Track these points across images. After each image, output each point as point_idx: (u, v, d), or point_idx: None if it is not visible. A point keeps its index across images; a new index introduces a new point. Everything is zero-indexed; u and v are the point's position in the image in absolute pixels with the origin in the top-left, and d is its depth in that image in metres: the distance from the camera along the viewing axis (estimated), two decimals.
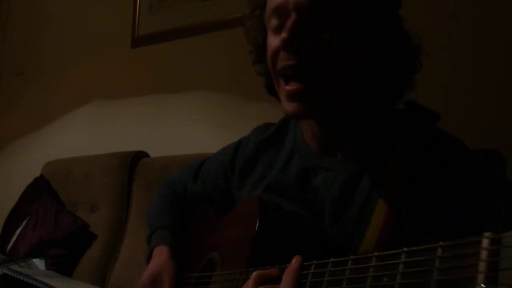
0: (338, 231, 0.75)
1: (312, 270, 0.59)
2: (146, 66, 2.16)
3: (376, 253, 0.49)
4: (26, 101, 2.66)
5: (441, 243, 0.42)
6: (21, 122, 2.67)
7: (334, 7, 0.70)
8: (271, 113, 0.91)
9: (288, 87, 0.72)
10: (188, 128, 1.97)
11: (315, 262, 0.59)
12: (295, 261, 0.61)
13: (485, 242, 0.38)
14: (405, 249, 0.46)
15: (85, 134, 2.32)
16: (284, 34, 0.70)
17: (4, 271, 1.39)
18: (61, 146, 2.35)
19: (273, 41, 0.75)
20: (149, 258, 1.02)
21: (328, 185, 0.78)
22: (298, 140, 0.86)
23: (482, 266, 0.37)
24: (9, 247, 1.88)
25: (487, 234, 0.38)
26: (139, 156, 1.87)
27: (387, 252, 0.48)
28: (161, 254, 1.00)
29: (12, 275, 1.36)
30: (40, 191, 1.99)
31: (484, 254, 0.38)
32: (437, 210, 0.68)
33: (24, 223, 1.89)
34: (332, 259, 0.57)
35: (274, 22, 0.74)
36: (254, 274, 0.64)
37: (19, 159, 2.59)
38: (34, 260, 1.70)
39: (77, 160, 2.03)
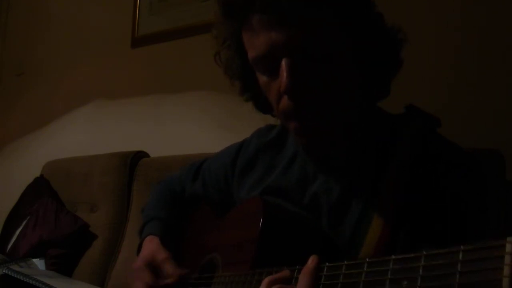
0: (337, 236, 0.74)
1: (325, 273, 0.57)
2: (146, 66, 2.16)
3: (393, 257, 0.49)
4: (26, 101, 2.66)
5: (462, 247, 0.42)
6: (21, 122, 2.67)
7: (324, 34, 0.67)
8: None
9: (294, 124, 0.72)
10: (188, 128, 1.96)
11: (328, 264, 0.57)
12: (311, 261, 0.59)
13: (509, 247, 0.38)
14: (424, 252, 0.45)
15: (85, 134, 2.31)
16: (284, 81, 0.66)
17: (4, 271, 1.39)
18: (61, 146, 2.35)
19: (270, 83, 0.72)
20: (139, 250, 0.99)
21: (328, 190, 0.77)
22: (300, 145, 0.86)
23: (507, 270, 0.37)
24: (9, 247, 1.88)
25: (510, 238, 0.38)
26: (139, 156, 1.87)
27: (405, 256, 0.48)
28: (152, 242, 0.97)
29: (12, 275, 1.36)
30: (40, 191, 1.99)
31: (508, 258, 0.37)
32: (437, 217, 0.67)
33: (24, 223, 1.89)
34: (345, 262, 0.55)
35: (261, 67, 0.72)
36: (266, 280, 0.63)
37: (19, 159, 2.58)
38: (34, 260, 1.69)
39: (77, 160, 2.03)
